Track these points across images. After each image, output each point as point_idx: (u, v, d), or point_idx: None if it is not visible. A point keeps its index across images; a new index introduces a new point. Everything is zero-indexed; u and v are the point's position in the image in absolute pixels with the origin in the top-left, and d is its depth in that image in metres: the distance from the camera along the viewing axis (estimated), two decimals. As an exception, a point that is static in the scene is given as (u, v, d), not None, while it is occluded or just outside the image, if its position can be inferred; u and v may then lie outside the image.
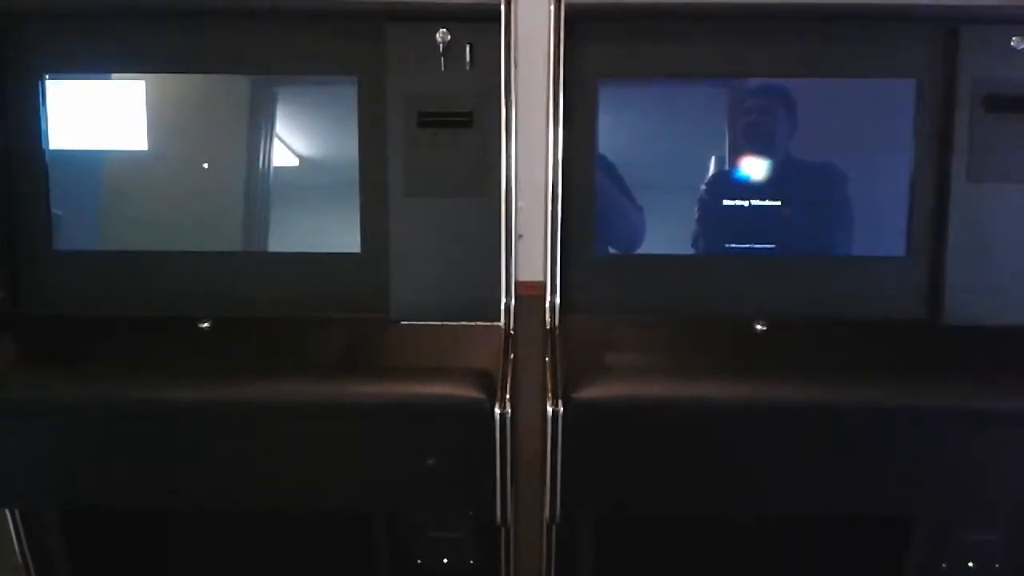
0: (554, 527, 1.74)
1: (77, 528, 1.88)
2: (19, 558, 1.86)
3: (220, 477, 1.58)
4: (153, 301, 1.78)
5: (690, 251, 1.80)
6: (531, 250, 1.78)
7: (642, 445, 1.53)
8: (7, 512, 1.83)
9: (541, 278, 1.75)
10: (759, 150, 1.79)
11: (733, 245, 1.80)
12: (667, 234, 1.82)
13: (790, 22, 1.74)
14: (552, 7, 1.67)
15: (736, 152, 1.79)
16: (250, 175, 1.80)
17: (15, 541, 1.85)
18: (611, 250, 1.80)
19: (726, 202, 1.79)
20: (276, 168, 1.80)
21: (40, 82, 1.76)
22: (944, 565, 1.77)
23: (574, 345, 1.66)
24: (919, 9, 1.71)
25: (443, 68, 1.71)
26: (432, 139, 1.73)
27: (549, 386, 1.50)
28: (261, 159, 1.79)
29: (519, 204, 1.73)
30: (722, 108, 1.80)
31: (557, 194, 1.71)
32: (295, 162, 1.82)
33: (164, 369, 1.58)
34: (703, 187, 1.79)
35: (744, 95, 1.79)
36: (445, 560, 1.81)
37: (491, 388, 1.49)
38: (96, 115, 1.77)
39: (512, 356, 1.62)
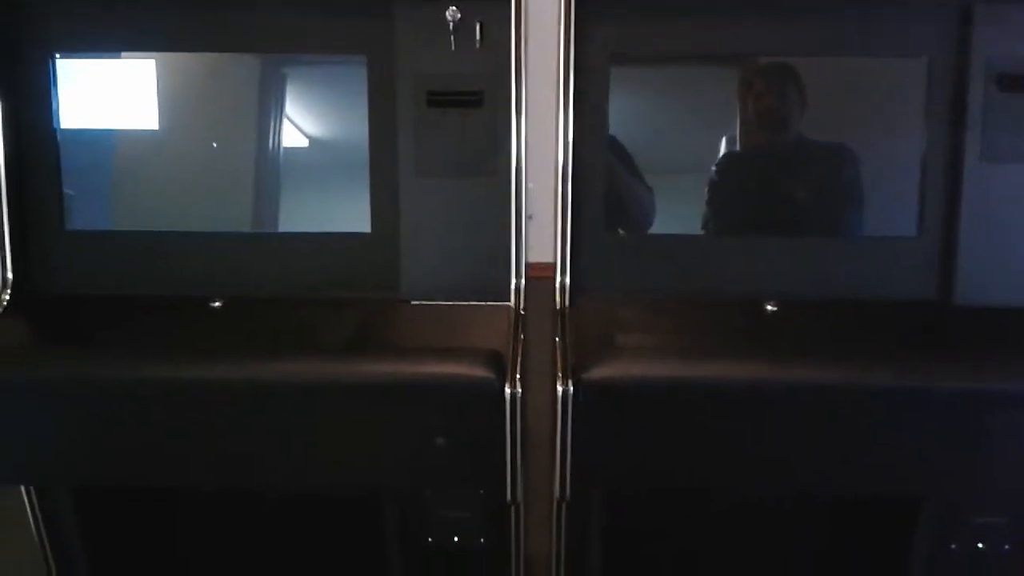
0: (564, 506, 1.74)
1: (91, 506, 1.89)
2: (35, 535, 1.88)
3: (230, 456, 1.59)
4: (164, 281, 1.78)
5: (700, 232, 1.80)
6: (541, 231, 1.77)
7: (651, 425, 1.53)
8: (22, 489, 1.84)
9: (551, 259, 1.74)
10: (770, 130, 1.78)
11: (744, 225, 1.79)
12: (677, 215, 1.81)
13: (801, 0, 1.72)
14: (563, -16, 1.66)
15: (747, 132, 1.78)
16: (260, 155, 1.80)
17: (31, 518, 1.87)
18: (621, 231, 1.80)
19: (737, 182, 1.79)
20: (286, 148, 1.80)
21: (51, 61, 1.76)
22: (953, 546, 1.77)
23: (584, 325, 1.66)
24: None
25: (453, 47, 1.71)
26: (442, 118, 1.72)
27: (559, 366, 1.50)
28: (271, 139, 1.79)
29: (529, 184, 1.72)
30: (733, 87, 1.78)
31: (568, 174, 1.71)
32: (305, 142, 1.81)
33: (175, 348, 1.59)
34: (714, 167, 1.78)
35: (755, 74, 1.77)
36: (455, 538, 1.82)
37: (501, 368, 1.49)
38: (107, 94, 1.77)
39: (522, 336, 1.62)
